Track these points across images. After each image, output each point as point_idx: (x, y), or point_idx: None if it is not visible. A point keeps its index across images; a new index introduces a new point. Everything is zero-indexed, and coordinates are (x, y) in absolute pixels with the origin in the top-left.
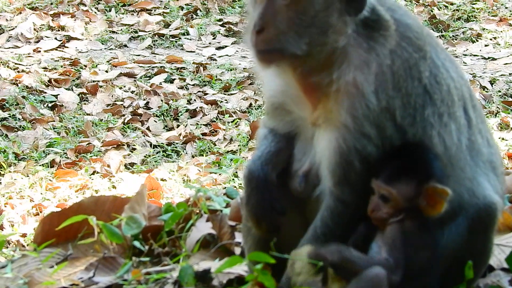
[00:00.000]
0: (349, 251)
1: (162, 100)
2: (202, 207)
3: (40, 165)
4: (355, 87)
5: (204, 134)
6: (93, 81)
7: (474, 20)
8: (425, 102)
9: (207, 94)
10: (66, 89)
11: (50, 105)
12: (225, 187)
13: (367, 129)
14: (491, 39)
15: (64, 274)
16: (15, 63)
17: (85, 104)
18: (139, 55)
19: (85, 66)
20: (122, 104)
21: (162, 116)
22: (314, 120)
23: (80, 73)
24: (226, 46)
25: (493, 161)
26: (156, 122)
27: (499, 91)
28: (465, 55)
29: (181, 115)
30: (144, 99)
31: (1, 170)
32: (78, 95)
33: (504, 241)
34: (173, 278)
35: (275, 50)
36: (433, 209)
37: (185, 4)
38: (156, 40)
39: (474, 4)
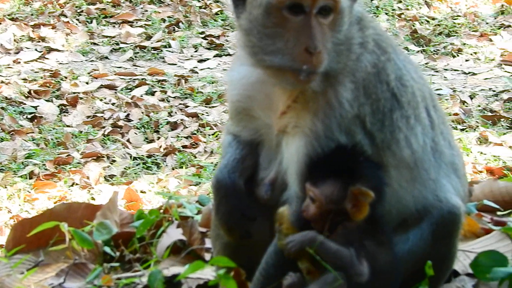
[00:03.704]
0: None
1: (143, 112)
2: (173, 214)
3: (18, 176)
4: (335, 97)
5: (184, 146)
6: (74, 93)
7: (455, 35)
8: (393, 106)
9: (188, 106)
10: (46, 100)
11: (29, 116)
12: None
13: (337, 136)
14: (471, 54)
15: (35, 280)
16: None
17: (65, 115)
18: (120, 67)
19: (66, 77)
20: (102, 116)
21: (142, 128)
22: (282, 127)
23: (60, 85)
24: (208, 59)
25: (455, 163)
26: (136, 134)
27: (479, 106)
28: (446, 69)
29: (162, 127)
30: (124, 111)
31: None
32: (58, 106)
33: (469, 247)
34: (143, 283)
35: (321, 70)
36: (358, 212)
37: (167, 17)
38: (138, 52)
39: (455, 19)
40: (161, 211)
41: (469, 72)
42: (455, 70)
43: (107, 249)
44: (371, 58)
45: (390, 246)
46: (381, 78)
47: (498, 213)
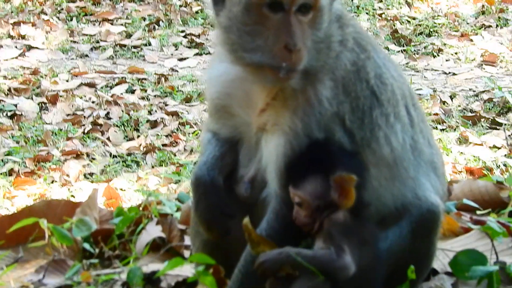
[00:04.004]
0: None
1: (122, 111)
2: (152, 211)
3: None
4: (315, 95)
5: (164, 145)
6: (53, 91)
7: (435, 35)
8: (373, 104)
9: (168, 105)
10: (26, 98)
11: (9, 114)
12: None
13: (316, 134)
14: (452, 54)
15: (14, 276)
16: None
17: (44, 113)
18: (100, 65)
19: (46, 75)
20: (82, 114)
21: (122, 126)
22: (261, 125)
23: (40, 83)
24: (188, 58)
25: (434, 161)
26: (116, 132)
27: (459, 106)
28: (426, 69)
29: (142, 125)
30: (104, 109)
31: None
32: (38, 104)
33: (448, 246)
34: (122, 280)
35: (301, 68)
36: (346, 199)
37: (148, 15)
38: (118, 51)
39: (436, 19)
40: (141, 208)
41: (450, 72)
42: (435, 70)
43: (87, 245)
44: (351, 56)
45: (373, 243)
46: (360, 76)
47: (478, 212)
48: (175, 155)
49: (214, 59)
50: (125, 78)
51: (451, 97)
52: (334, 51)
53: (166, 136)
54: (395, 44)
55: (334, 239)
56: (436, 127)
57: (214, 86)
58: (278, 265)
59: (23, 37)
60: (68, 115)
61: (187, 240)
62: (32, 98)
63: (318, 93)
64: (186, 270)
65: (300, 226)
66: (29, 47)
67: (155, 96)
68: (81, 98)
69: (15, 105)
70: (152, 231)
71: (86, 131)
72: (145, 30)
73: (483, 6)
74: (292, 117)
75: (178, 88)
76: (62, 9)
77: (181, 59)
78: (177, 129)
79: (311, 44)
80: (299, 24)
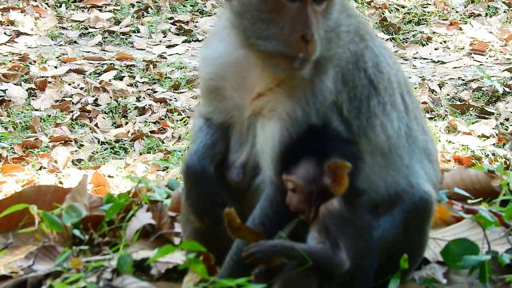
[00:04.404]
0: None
1: (111, 97)
2: (143, 197)
3: None
4: (319, 85)
5: (152, 131)
6: (42, 77)
7: (424, 24)
8: (370, 93)
9: (156, 92)
10: (15, 84)
11: None
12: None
13: (314, 122)
14: (441, 43)
15: (4, 262)
16: None
17: (33, 99)
18: (89, 51)
19: (34, 61)
20: (70, 101)
21: (110, 113)
22: (257, 109)
23: (29, 69)
24: (176, 45)
25: (428, 148)
26: (104, 119)
27: (448, 95)
28: (415, 58)
29: (130, 112)
30: (93, 96)
31: None
32: (27, 90)
33: (440, 235)
34: (112, 266)
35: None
36: (339, 185)
37: (136, 2)
38: (106, 37)
39: (425, 7)
40: (130, 194)
41: (438, 61)
42: (424, 58)
43: (76, 232)
44: (352, 46)
45: (368, 234)
46: (359, 66)
47: (469, 201)
48: (163, 142)
49: (211, 38)
50: (113, 64)
51: (440, 86)
52: (342, 40)
53: (154, 123)
54: (383, 33)
55: (329, 233)
56: (425, 115)
57: (208, 66)
58: (270, 257)
59: (12, 23)
60: (56, 101)
61: (178, 227)
62: (20, 84)
63: (322, 84)
64: (177, 257)
65: (295, 212)
66: (18, 33)
67: (143, 82)
68: (69, 84)
69: (4, 91)
70: (142, 218)
71: (74, 118)
72: (133, 17)
73: None
74: (293, 104)
75: (166, 75)
76: None
77: (169, 46)
78: (165, 116)
79: (323, 34)
80: (314, 14)
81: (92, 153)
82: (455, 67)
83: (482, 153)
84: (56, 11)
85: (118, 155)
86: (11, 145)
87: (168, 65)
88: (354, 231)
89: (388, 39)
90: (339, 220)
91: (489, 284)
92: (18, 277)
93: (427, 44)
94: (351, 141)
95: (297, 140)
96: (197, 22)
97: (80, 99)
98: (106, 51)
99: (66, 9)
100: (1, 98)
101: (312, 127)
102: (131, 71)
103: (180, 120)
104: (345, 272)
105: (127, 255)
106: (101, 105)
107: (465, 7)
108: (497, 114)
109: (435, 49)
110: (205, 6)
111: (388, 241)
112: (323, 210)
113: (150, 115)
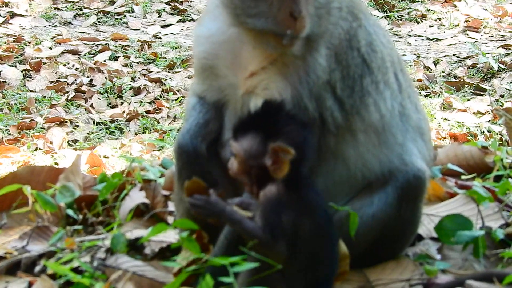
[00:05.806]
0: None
1: (106, 78)
2: (136, 177)
3: None
4: (312, 63)
5: (147, 111)
6: (37, 58)
7: (419, 1)
8: (364, 72)
9: (151, 72)
10: (10, 65)
11: None
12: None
13: (306, 102)
14: (435, 20)
15: None
16: None
17: (28, 80)
18: (83, 32)
19: (29, 42)
20: (65, 81)
21: (105, 93)
22: (250, 88)
23: (23, 50)
24: (171, 24)
25: (421, 127)
26: (99, 99)
27: (443, 72)
28: (410, 35)
29: (125, 92)
30: (88, 76)
31: None
32: (22, 71)
33: (433, 211)
34: (105, 246)
35: (304, 35)
36: (278, 169)
37: None
38: (101, 18)
39: None
40: (124, 174)
41: (433, 38)
42: (419, 36)
43: (70, 212)
44: (344, 24)
45: (314, 213)
46: (352, 45)
47: (463, 177)
48: (158, 122)
49: (204, 17)
50: (108, 45)
51: (435, 63)
52: (333, 16)
53: (149, 103)
54: (378, 10)
55: (268, 219)
56: (420, 93)
57: (202, 45)
58: (205, 214)
59: (6, 4)
60: (51, 82)
61: (171, 206)
62: (15, 66)
63: (314, 62)
64: (170, 236)
65: (234, 177)
66: (13, 14)
67: (138, 63)
68: (64, 65)
69: None
70: (136, 197)
71: (69, 98)
72: None
73: None
74: (286, 83)
75: (161, 55)
76: None
77: (164, 26)
78: (160, 96)
79: (313, 10)
80: None
81: (88, 133)
82: (450, 44)
83: (477, 130)
84: None
85: (114, 135)
86: (6, 127)
87: (163, 45)
88: (295, 214)
89: (382, 16)
90: (278, 206)
91: (483, 260)
92: (12, 257)
93: (422, 21)
94: (305, 124)
95: (257, 111)
96: (191, 1)
97: (75, 80)
98: (100, 31)
99: None
100: None
101: (269, 103)
102: (126, 51)
103: (175, 99)
104: (299, 255)
105: (121, 235)
106: (96, 86)
107: None
108: (492, 91)
109: (430, 26)
110: None
111: (381, 219)
112: (261, 195)
113: (145, 95)
